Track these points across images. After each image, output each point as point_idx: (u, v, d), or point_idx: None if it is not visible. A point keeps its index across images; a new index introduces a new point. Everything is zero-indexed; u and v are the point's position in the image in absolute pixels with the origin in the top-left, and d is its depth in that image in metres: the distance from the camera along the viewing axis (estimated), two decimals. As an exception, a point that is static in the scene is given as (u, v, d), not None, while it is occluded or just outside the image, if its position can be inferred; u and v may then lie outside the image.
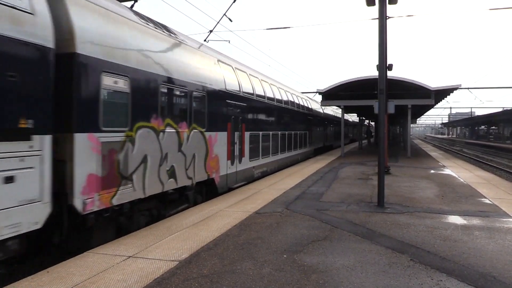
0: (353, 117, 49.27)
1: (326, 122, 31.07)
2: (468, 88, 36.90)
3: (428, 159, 22.71)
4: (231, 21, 14.89)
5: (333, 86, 22.60)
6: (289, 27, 16.04)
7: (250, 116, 13.07)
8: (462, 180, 13.07)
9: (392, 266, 4.89)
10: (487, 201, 9.26)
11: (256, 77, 14.71)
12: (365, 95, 22.21)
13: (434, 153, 29.56)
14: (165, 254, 5.34)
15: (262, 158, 14.35)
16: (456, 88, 21.48)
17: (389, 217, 7.53)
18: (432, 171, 15.76)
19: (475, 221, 7.20)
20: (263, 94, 14.76)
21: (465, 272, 4.68)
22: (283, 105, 17.65)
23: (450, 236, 6.20)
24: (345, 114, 36.41)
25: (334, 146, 35.51)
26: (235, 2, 13.76)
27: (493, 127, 70.76)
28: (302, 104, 22.25)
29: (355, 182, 12.48)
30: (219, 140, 10.48)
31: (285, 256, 5.26)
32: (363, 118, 40.38)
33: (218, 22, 14.63)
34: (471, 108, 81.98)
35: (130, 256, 5.26)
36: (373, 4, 9.11)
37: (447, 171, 15.80)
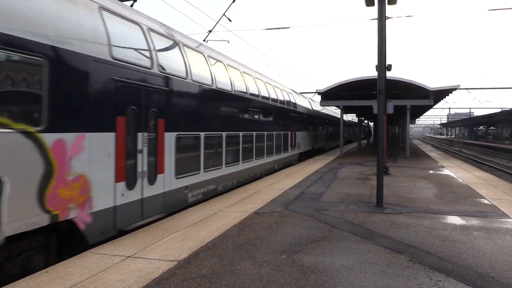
0: (348, 116, 48.19)
1: (316, 121, 26.73)
2: (467, 89, 36.98)
3: (427, 159, 22.74)
4: (230, 21, 14.90)
5: (332, 86, 22.63)
6: (288, 27, 16.05)
7: (179, 108, 8.65)
8: (460, 180, 13.09)
9: (391, 266, 4.89)
10: (485, 201, 9.28)
11: (199, 52, 10.31)
12: (364, 95, 22.24)
13: (433, 153, 29.60)
14: (164, 254, 5.33)
15: (206, 171, 9.85)
16: (455, 89, 21.52)
17: (388, 217, 7.53)
18: (431, 172, 15.78)
19: (474, 222, 7.21)
20: (209, 77, 10.34)
21: (464, 272, 4.69)
22: (248, 96, 13.23)
23: (449, 237, 6.21)
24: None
25: (326, 148, 31.12)
26: (234, 2, 13.76)
27: (492, 128, 70.88)
28: (281, 97, 18.04)
29: (354, 182, 12.49)
30: (92, 147, 5.99)
31: (284, 256, 5.27)
32: (362, 118, 40.41)
33: (217, 22, 14.63)
34: (470, 108, 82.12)
35: (129, 256, 5.26)
36: (372, 4, 9.12)
37: (446, 172, 15.82)
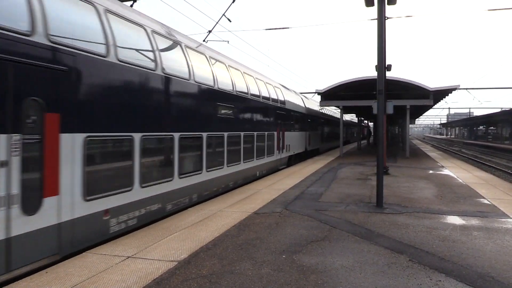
0: (345, 116, 46.70)
1: (310, 120, 23.97)
2: (466, 89, 36.98)
3: (427, 159, 22.75)
4: (230, 21, 14.89)
5: (332, 87, 22.64)
6: (288, 28, 16.04)
7: (92, 98, 6.16)
8: (460, 180, 13.09)
9: (391, 266, 4.89)
10: (485, 201, 9.28)
11: (132, 22, 7.60)
12: (364, 96, 22.26)
13: (433, 153, 29.61)
14: (164, 255, 5.33)
15: (144, 186, 7.28)
16: (454, 89, 21.54)
17: (388, 218, 7.54)
18: (431, 172, 15.79)
19: (474, 222, 7.21)
20: (150, 57, 7.81)
21: (464, 272, 4.69)
22: (216, 88, 10.62)
23: (448, 237, 6.21)
24: (337, 112, 35.02)
25: (321, 150, 28.62)
26: (234, 2, 13.76)
27: (492, 128, 70.90)
28: (265, 92, 15.29)
29: (354, 183, 12.49)
30: None
31: (284, 256, 5.27)
32: (362, 118, 40.41)
33: (217, 23, 14.62)
34: (470, 108, 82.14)
35: (129, 257, 5.26)
36: (372, 4, 9.13)
37: (445, 172, 15.82)
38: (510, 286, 4.29)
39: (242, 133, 12.66)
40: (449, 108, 78.76)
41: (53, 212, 5.32)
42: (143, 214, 7.32)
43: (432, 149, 37.32)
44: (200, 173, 9.70)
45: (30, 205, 5.01)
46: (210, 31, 15.11)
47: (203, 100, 10.04)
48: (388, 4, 9.29)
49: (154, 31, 8.16)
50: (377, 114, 9.12)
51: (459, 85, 21.19)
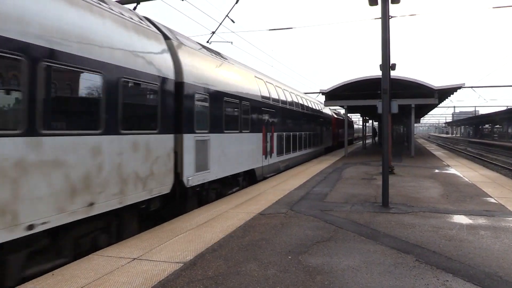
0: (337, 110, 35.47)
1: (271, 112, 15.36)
2: (471, 87, 36.75)
3: (432, 158, 22.62)
4: (233, 22, 14.91)
5: (336, 86, 22.59)
6: (291, 28, 16.03)
7: None
8: (466, 179, 13.00)
9: (397, 266, 4.86)
10: (492, 200, 9.20)
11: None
12: (368, 95, 22.19)
13: (438, 152, 29.43)
14: (170, 256, 5.34)
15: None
16: (459, 87, 21.41)
17: (394, 217, 7.50)
18: (437, 171, 15.69)
19: (481, 221, 7.15)
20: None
21: (471, 272, 4.65)
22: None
23: (455, 236, 6.16)
24: (326, 107, 31.97)
25: (300, 159, 20.00)
26: (238, 3, 13.77)
27: (497, 126, 70.38)
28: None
29: (359, 182, 12.44)
30: None
31: (289, 257, 5.25)
32: (367, 118, 40.28)
33: (220, 24, 14.64)
34: (475, 107, 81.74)
35: (134, 258, 5.27)
36: (376, 3, 9.10)
37: (451, 171, 15.72)
38: (518, 285, 4.25)
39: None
40: (454, 106, 78.50)
41: None
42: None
43: (437, 148, 37.11)
44: None
45: None
46: (213, 32, 15.14)
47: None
48: (392, 3, 9.26)
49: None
50: (382, 113, 9.07)
51: (464, 84, 21.07)
